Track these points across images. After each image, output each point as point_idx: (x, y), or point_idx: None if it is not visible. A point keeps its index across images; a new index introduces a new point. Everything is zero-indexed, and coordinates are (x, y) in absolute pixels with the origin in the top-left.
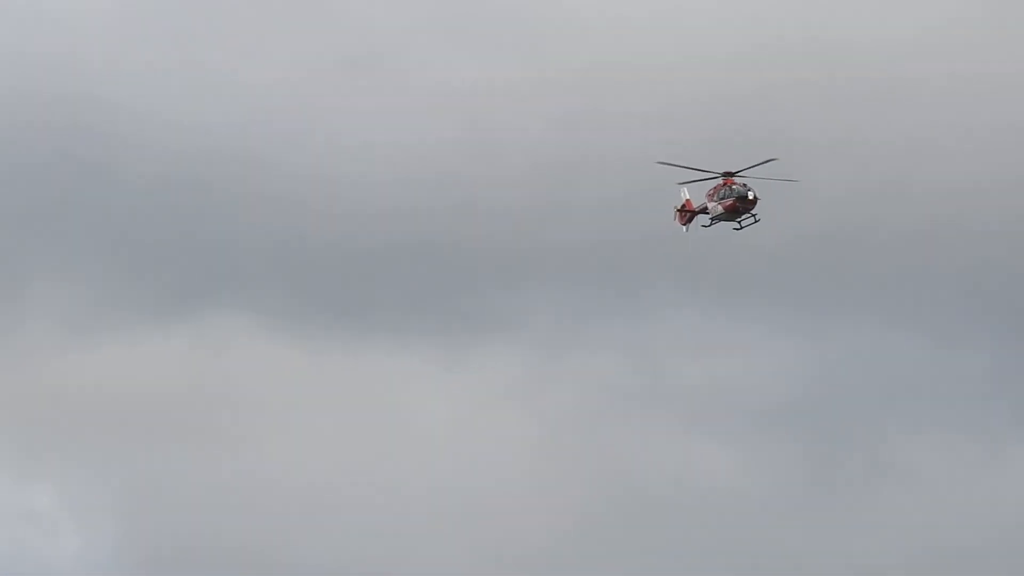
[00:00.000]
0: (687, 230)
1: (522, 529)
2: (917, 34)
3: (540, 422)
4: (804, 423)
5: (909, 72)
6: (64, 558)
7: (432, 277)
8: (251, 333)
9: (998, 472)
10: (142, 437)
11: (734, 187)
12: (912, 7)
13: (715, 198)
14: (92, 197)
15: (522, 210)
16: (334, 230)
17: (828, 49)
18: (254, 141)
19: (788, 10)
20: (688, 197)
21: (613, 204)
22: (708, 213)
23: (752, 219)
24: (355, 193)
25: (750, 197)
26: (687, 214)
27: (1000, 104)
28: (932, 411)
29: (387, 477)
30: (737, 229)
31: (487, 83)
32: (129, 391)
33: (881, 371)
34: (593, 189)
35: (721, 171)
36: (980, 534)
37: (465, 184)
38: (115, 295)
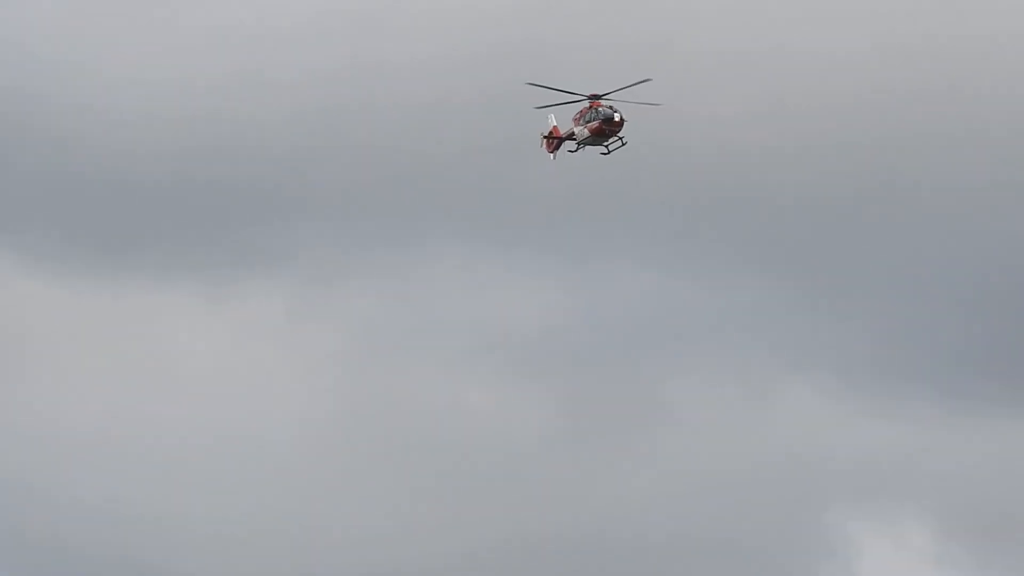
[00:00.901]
0: (554, 157)
1: (287, 467)
2: None
3: (306, 359)
4: (571, 362)
5: None
6: None
7: (196, 215)
8: (9, 270)
9: (760, 412)
10: None
11: (600, 109)
12: None
13: (581, 122)
14: None
15: (289, 148)
16: (96, 166)
17: None
18: (11, 73)
19: None
20: (555, 123)
21: (381, 144)
22: (575, 138)
23: (619, 142)
24: (118, 130)
25: (616, 119)
26: (554, 141)
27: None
28: (699, 352)
29: (151, 415)
30: (605, 154)
31: (258, 23)
32: None
33: (648, 310)
34: (359, 129)
35: (588, 94)
36: (745, 474)
37: (231, 122)
38: None
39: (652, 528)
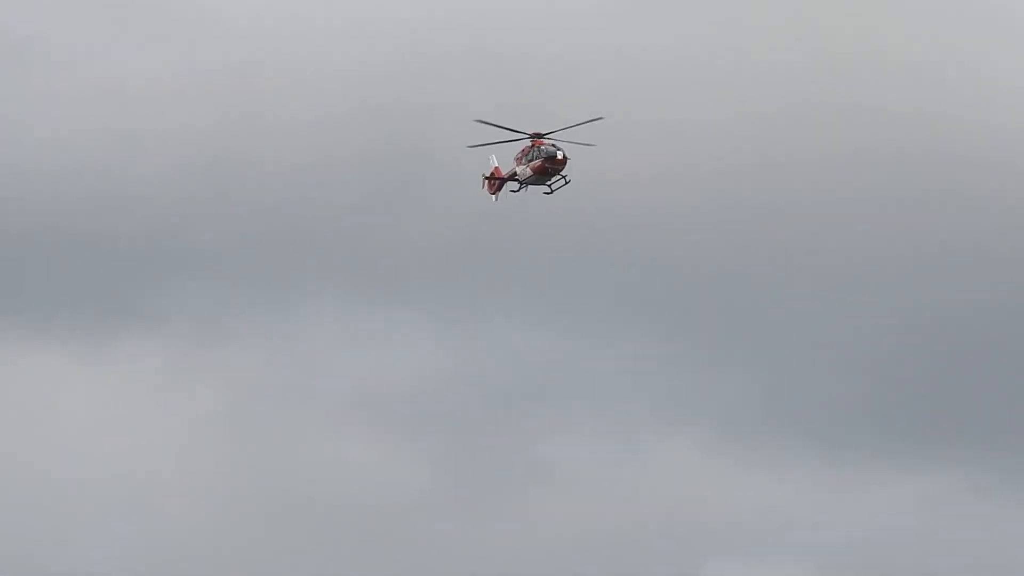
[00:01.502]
0: (496, 199)
1: (161, 525)
2: None
3: (181, 418)
4: (449, 421)
5: None
6: None
7: (71, 272)
8: None
9: (639, 467)
10: None
11: (542, 147)
12: None
13: (523, 161)
14: None
15: (166, 205)
16: None
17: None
18: None
19: None
20: (496, 164)
21: (264, 202)
22: (517, 178)
23: (563, 181)
24: None
25: (559, 157)
26: (496, 182)
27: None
28: (576, 408)
29: (22, 473)
30: (547, 193)
31: (134, 77)
32: None
33: (525, 367)
34: (235, 187)
35: (531, 132)
36: (624, 530)
37: (106, 178)
38: None
39: None
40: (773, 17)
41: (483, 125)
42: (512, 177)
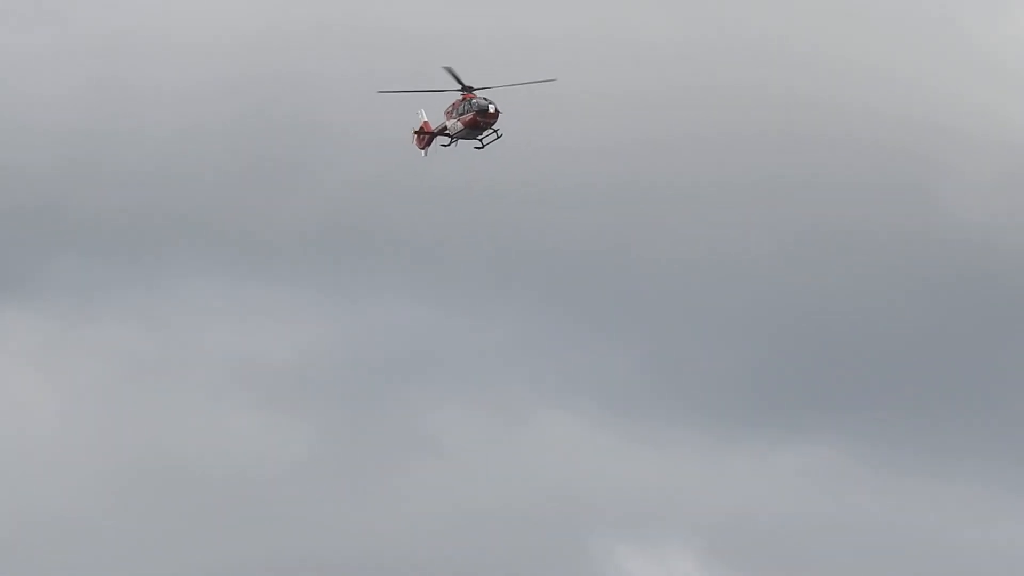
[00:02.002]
0: (426, 154)
1: (41, 502)
2: None
3: (59, 394)
4: (331, 395)
5: None
6: None
7: None
8: None
9: (524, 442)
10: None
11: (474, 100)
12: None
13: (454, 115)
14: None
15: (41, 176)
16: None
17: None
18: None
19: None
20: (425, 119)
21: (132, 173)
22: (448, 132)
23: (494, 135)
24: None
25: (491, 110)
26: (425, 136)
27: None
28: (459, 382)
29: None
30: (479, 148)
31: (6, 46)
32: None
33: (407, 341)
34: (109, 157)
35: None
36: (509, 504)
37: None
38: None
39: (414, 559)
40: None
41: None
42: (443, 131)
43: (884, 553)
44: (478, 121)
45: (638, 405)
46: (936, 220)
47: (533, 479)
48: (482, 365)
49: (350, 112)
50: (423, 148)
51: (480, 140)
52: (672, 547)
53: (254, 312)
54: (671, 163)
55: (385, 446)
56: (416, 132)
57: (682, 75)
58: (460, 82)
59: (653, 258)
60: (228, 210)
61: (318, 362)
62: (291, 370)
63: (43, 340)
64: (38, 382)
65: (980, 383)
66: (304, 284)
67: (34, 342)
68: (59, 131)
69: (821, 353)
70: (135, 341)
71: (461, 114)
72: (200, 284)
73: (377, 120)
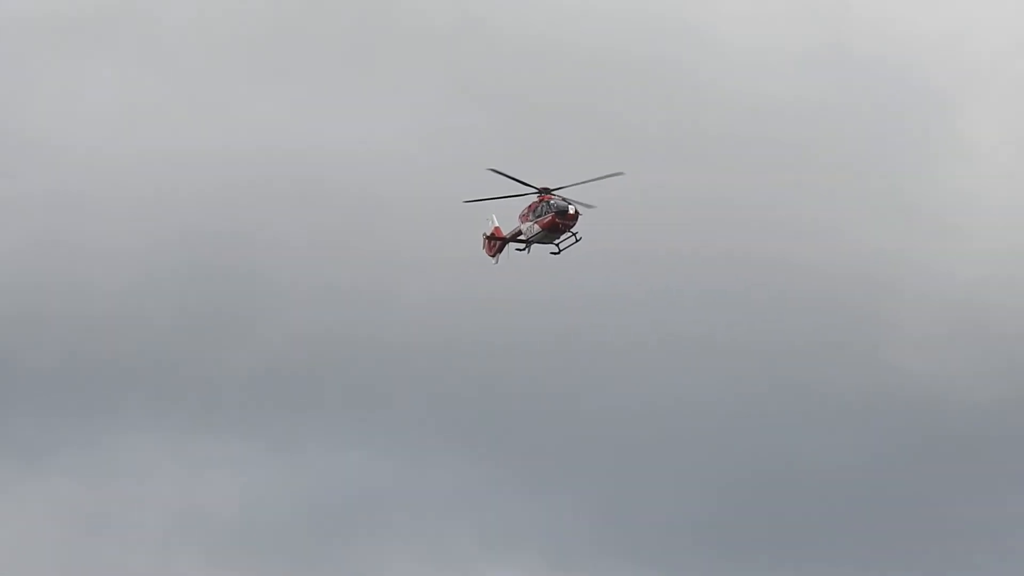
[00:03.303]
0: (496, 260)
1: None
2: None
3: (5, 546)
4: (275, 545)
5: None
6: None
7: None
8: None
9: None
10: None
11: (552, 202)
12: None
13: (530, 217)
14: None
15: None
16: None
17: None
18: None
19: None
20: (497, 224)
21: (82, 320)
22: (523, 236)
23: (572, 239)
24: None
25: (570, 211)
26: (496, 242)
27: None
28: (404, 534)
29: None
30: (555, 253)
31: None
32: None
33: (351, 493)
34: (62, 306)
35: (539, 186)
36: None
37: None
38: None
39: None
40: None
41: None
42: (516, 236)
43: None
44: (557, 223)
45: (584, 557)
46: (881, 375)
47: None
48: (428, 518)
49: (293, 265)
50: (494, 255)
51: (557, 244)
52: None
53: (199, 464)
54: (620, 315)
55: None
56: (487, 237)
57: (627, 234)
58: (530, 184)
59: (600, 410)
60: (170, 363)
61: (263, 514)
62: (236, 522)
63: None
64: None
65: (929, 533)
66: (248, 436)
67: None
68: (3, 285)
69: (768, 505)
70: (79, 494)
71: (538, 216)
72: (141, 437)
73: (320, 271)
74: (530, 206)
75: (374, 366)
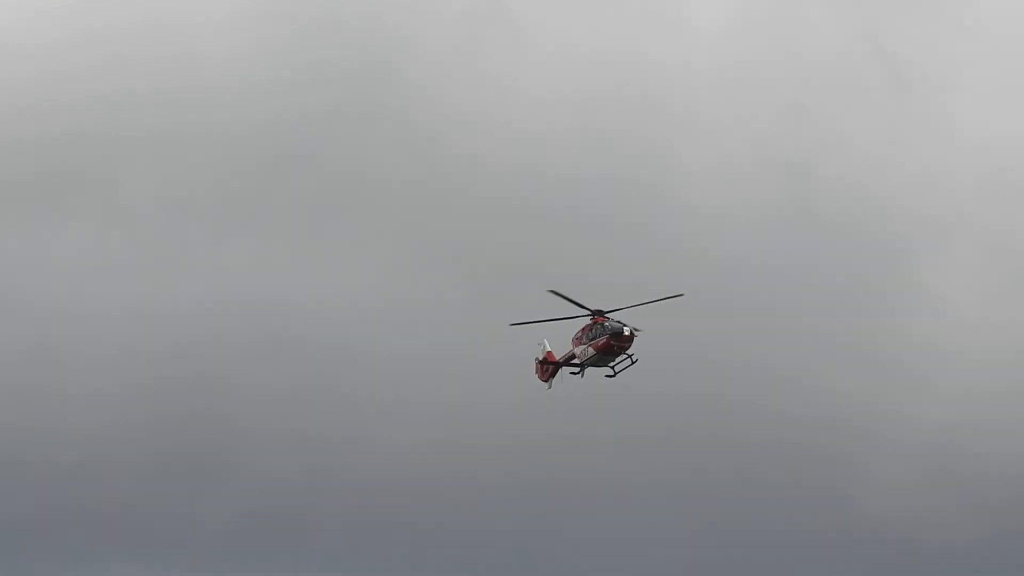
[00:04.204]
0: (550, 385)
1: None
2: None
3: None
4: None
5: None
6: None
7: None
8: None
9: None
10: None
11: (606, 324)
12: None
13: (584, 340)
14: None
15: None
16: None
17: None
18: None
19: None
20: (549, 348)
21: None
22: (576, 360)
23: (628, 360)
24: None
25: (625, 333)
26: (549, 366)
27: None
28: None
29: None
30: (610, 376)
31: None
32: None
33: None
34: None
35: (592, 309)
36: None
37: None
38: None
39: None
40: None
41: (554, 296)
42: (570, 360)
43: None
44: (612, 346)
45: None
46: (851, 519)
47: None
48: None
49: (264, 410)
50: (547, 380)
51: (612, 368)
52: None
53: None
54: (593, 458)
55: None
56: (539, 362)
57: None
58: (584, 306)
59: (572, 547)
60: (145, 509)
61: None
62: None
63: None
64: None
65: None
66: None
67: None
68: None
69: None
70: None
71: (592, 338)
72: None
73: (291, 417)
74: (584, 328)
75: (347, 510)
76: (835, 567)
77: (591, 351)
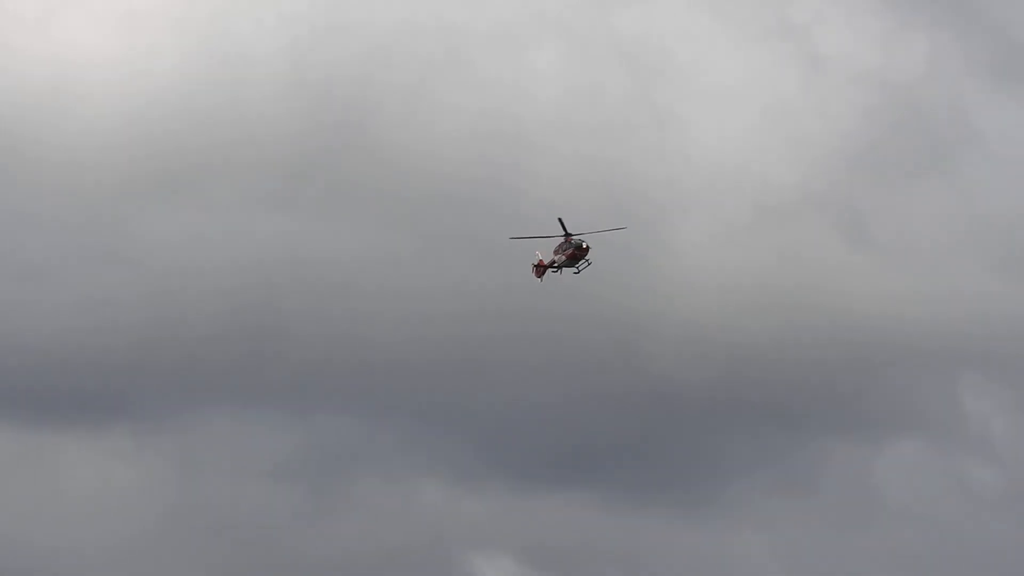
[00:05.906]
0: (542, 280)
1: None
2: None
3: None
4: None
5: None
6: None
7: None
8: None
9: None
10: None
11: (572, 240)
12: None
13: (560, 251)
14: None
15: None
16: None
17: None
18: None
19: None
20: (541, 257)
21: None
22: (556, 264)
23: (587, 264)
24: None
25: (584, 246)
26: (541, 268)
27: None
28: None
29: None
30: (576, 273)
31: None
32: None
33: None
34: None
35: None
36: None
37: None
38: None
39: None
40: None
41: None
42: (552, 264)
43: None
44: (576, 255)
45: None
46: None
47: None
48: None
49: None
50: (539, 277)
51: (577, 268)
52: None
53: None
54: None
55: None
56: (535, 265)
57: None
58: (565, 230)
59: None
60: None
61: None
62: None
63: None
64: None
65: None
66: None
67: None
68: None
69: None
70: None
71: (565, 250)
72: None
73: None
74: (559, 244)
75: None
76: None
77: (564, 258)
